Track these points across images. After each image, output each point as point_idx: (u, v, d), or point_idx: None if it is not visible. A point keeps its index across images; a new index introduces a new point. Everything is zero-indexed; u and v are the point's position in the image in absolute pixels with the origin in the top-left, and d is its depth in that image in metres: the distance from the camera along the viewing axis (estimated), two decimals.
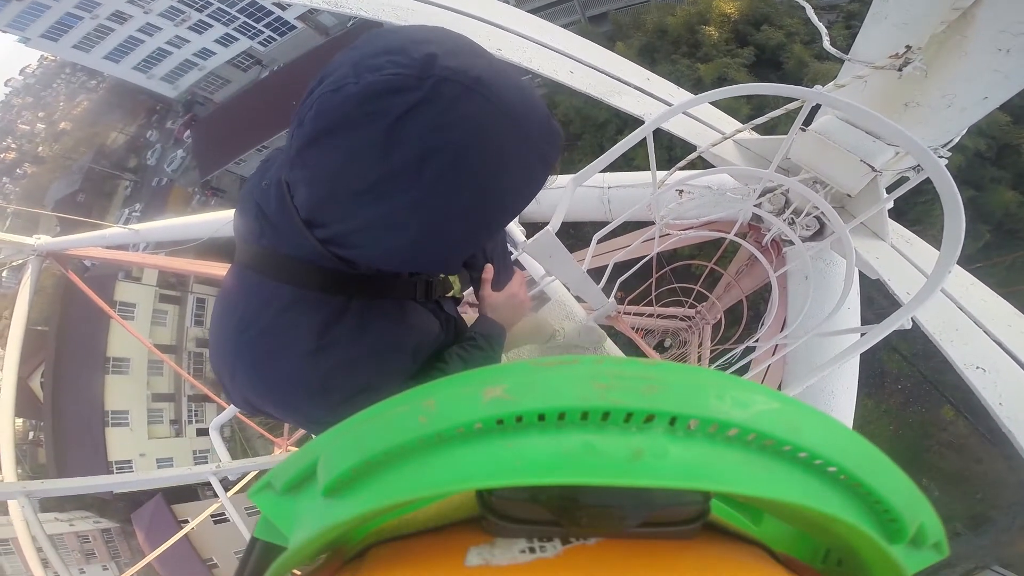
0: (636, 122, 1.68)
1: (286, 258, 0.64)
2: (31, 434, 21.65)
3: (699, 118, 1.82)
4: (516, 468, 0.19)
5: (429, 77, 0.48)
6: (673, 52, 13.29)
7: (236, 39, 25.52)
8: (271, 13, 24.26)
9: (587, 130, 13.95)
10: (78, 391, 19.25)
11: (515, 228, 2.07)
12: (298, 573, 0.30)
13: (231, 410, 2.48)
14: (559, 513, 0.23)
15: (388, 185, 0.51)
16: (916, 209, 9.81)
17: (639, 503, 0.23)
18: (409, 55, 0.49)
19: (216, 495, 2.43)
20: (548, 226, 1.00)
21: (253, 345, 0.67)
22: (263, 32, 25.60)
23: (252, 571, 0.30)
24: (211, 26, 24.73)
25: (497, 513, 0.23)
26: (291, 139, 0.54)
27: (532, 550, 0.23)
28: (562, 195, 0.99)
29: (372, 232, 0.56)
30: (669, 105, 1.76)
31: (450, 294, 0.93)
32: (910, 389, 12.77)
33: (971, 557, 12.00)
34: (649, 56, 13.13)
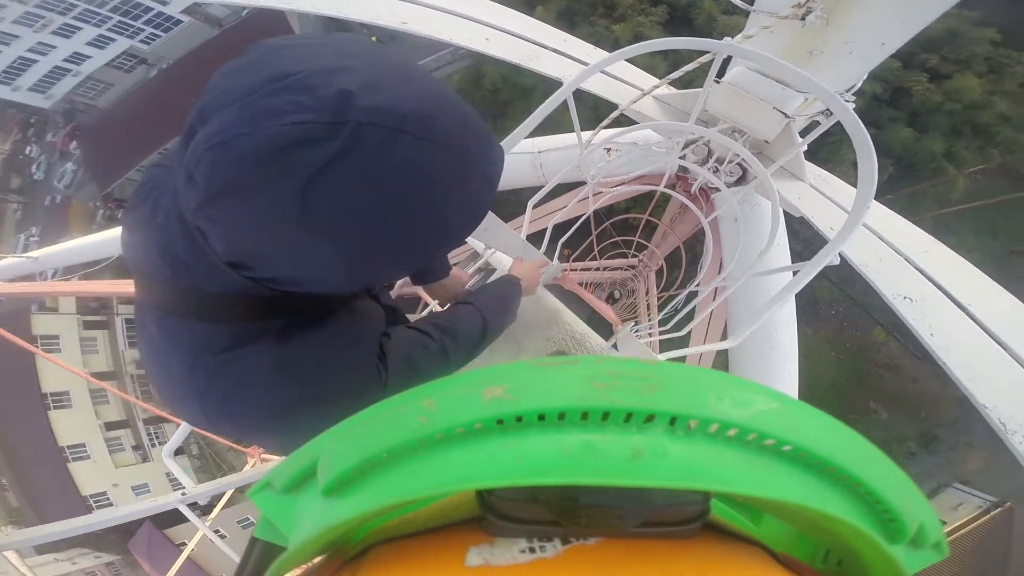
0: (559, 83, 1.68)
1: (214, 296, 0.56)
2: None
3: (619, 77, 1.84)
4: (516, 468, 0.19)
5: (345, 123, 0.40)
6: (591, 14, 13.45)
7: (112, 40, 23.21)
8: (150, 9, 22.14)
9: (516, 97, 13.88)
10: (25, 432, 18.31)
11: None
12: (298, 572, 0.30)
13: (181, 432, 2.36)
14: (559, 513, 0.23)
15: (312, 246, 0.45)
16: (826, 149, 10.47)
17: (639, 503, 0.23)
18: (316, 94, 0.40)
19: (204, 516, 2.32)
20: None
21: (207, 392, 0.61)
22: (143, 30, 23.25)
23: (252, 571, 0.30)
24: (80, 29, 22.43)
25: (497, 513, 0.23)
26: (183, 187, 0.45)
27: (532, 550, 0.23)
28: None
29: (304, 279, 0.51)
30: (584, 63, 1.77)
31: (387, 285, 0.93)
32: (843, 314, 13.22)
33: (931, 476, 12.38)
34: (568, 19, 13.16)
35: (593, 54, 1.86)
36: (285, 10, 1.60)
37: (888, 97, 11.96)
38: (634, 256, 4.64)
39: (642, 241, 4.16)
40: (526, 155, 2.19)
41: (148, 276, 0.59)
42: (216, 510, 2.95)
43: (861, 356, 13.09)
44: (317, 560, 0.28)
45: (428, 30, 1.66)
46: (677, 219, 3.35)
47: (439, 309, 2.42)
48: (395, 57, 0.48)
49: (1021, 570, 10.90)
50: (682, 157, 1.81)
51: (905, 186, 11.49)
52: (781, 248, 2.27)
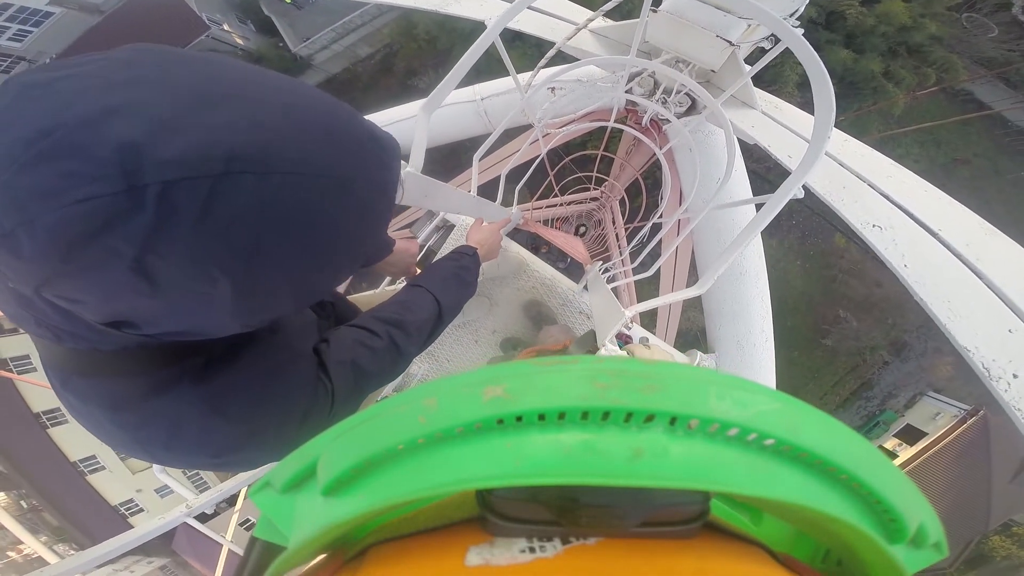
0: (483, 26, 1.58)
1: (108, 355, 0.49)
2: (23, 503, 19.49)
3: (552, 13, 1.76)
4: (516, 468, 0.19)
5: (143, 188, 0.31)
6: None
7: None
8: (10, 5, 19.64)
9: (456, 43, 13.35)
10: (34, 454, 17.79)
11: None
12: (298, 572, 0.30)
13: None
14: (559, 513, 0.23)
15: (182, 305, 0.39)
16: (770, 72, 10.65)
17: (639, 503, 0.23)
18: (89, 155, 0.30)
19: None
20: (408, 166, 0.92)
21: (147, 443, 0.56)
22: (7, 27, 20.69)
23: (252, 571, 0.30)
24: None
25: (497, 512, 0.23)
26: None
27: (532, 550, 0.23)
28: (416, 126, 0.90)
29: (195, 331, 0.44)
30: (510, 3, 1.66)
31: None
32: (804, 223, 13.25)
33: (906, 385, 12.68)
34: None
35: None
36: None
37: (823, 21, 12.23)
38: (596, 188, 4.67)
39: (601, 176, 4.19)
40: (469, 104, 2.10)
41: (35, 338, 0.49)
42: (239, 501, 2.92)
43: (825, 263, 13.24)
44: (317, 560, 0.28)
45: None
46: (632, 151, 3.36)
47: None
48: (204, 69, 0.37)
49: (1002, 475, 11.24)
50: (628, 91, 1.76)
51: (849, 106, 11.84)
52: (740, 176, 2.27)
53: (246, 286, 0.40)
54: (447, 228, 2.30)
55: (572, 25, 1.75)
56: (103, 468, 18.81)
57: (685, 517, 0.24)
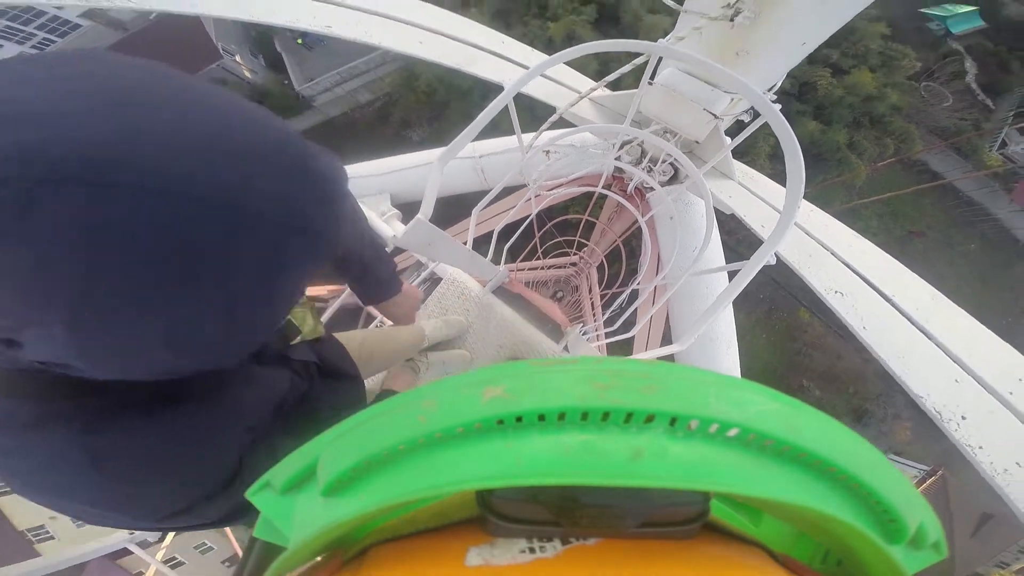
0: (499, 87, 1.67)
1: (14, 372, 0.44)
2: None
3: (555, 79, 1.86)
4: (516, 468, 0.19)
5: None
6: (525, 14, 13.46)
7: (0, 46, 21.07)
8: (44, 13, 20.14)
9: (453, 98, 13.78)
10: None
11: (379, 222, 1.95)
12: (298, 572, 0.30)
13: None
14: (559, 513, 0.23)
15: (27, 338, 0.35)
16: (744, 143, 11.11)
17: (639, 503, 0.23)
18: None
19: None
20: (419, 214, 0.95)
21: (7, 471, 0.50)
22: (35, 35, 21.23)
23: (252, 571, 0.30)
24: None
25: (497, 513, 0.23)
26: None
27: (532, 550, 0.23)
28: (430, 176, 0.95)
29: (54, 364, 0.38)
30: (525, 68, 1.77)
31: (297, 340, 0.79)
32: (770, 297, 13.70)
33: None
34: (503, 20, 13.17)
35: (531, 56, 1.87)
36: (197, 15, 1.47)
37: (796, 91, 12.83)
38: (575, 254, 4.76)
39: (582, 240, 4.28)
40: (467, 160, 2.16)
41: None
42: (168, 538, 2.74)
43: (790, 336, 13.70)
44: (317, 560, 0.28)
45: (355, 34, 1.60)
46: (614, 217, 3.46)
47: (388, 323, 2.35)
48: (122, 72, 0.34)
49: (963, 532, 11.41)
50: (618, 158, 1.85)
51: (815, 177, 12.41)
52: (716, 245, 2.37)
53: (81, 319, 0.34)
54: (434, 281, 2.32)
55: (570, 90, 1.86)
56: (9, 492, 17.62)
57: (685, 517, 0.24)
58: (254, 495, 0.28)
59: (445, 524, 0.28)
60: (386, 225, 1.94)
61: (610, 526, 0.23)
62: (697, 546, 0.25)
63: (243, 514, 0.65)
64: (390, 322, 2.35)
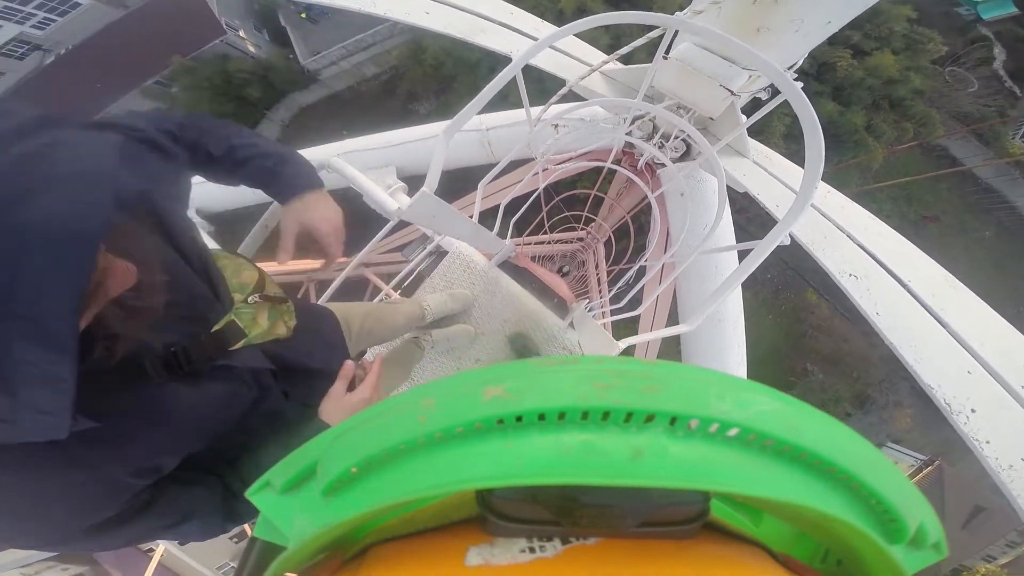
0: (507, 59, 1.63)
1: None
2: None
3: (565, 51, 1.82)
4: (516, 468, 0.19)
5: None
6: None
7: None
8: None
9: (460, 72, 13.54)
10: None
11: (383, 195, 1.92)
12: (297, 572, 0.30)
13: None
14: (559, 513, 0.23)
15: None
16: (759, 121, 10.91)
17: (639, 503, 0.23)
18: None
19: None
20: (424, 187, 0.94)
21: None
22: (35, 15, 20.90)
23: (252, 570, 0.30)
24: None
25: (497, 513, 0.23)
26: None
27: (532, 550, 0.23)
28: (435, 149, 0.93)
29: None
30: (534, 39, 1.72)
31: (240, 344, 0.71)
32: (778, 277, 13.47)
33: (867, 435, 13.10)
34: None
35: (540, 27, 1.82)
36: None
37: (815, 72, 12.57)
38: (583, 229, 4.71)
39: (590, 215, 4.22)
40: (474, 133, 2.13)
41: None
42: None
43: (796, 318, 13.49)
44: (317, 559, 0.27)
45: (359, 4, 1.56)
46: (623, 193, 3.41)
47: (394, 296, 2.35)
48: None
49: (954, 523, 11.49)
50: (628, 133, 1.82)
51: (831, 158, 12.23)
52: (727, 223, 2.34)
53: None
54: (440, 254, 2.31)
55: (581, 63, 1.82)
56: None
57: (685, 517, 0.24)
58: (254, 495, 0.28)
59: (445, 524, 0.28)
60: (390, 198, 1.91)
61: (610, 526, 0.23)
62: (697, 546, 0.25)
63: (190, 526, 0.66)
64: (395, 296, 2.36)
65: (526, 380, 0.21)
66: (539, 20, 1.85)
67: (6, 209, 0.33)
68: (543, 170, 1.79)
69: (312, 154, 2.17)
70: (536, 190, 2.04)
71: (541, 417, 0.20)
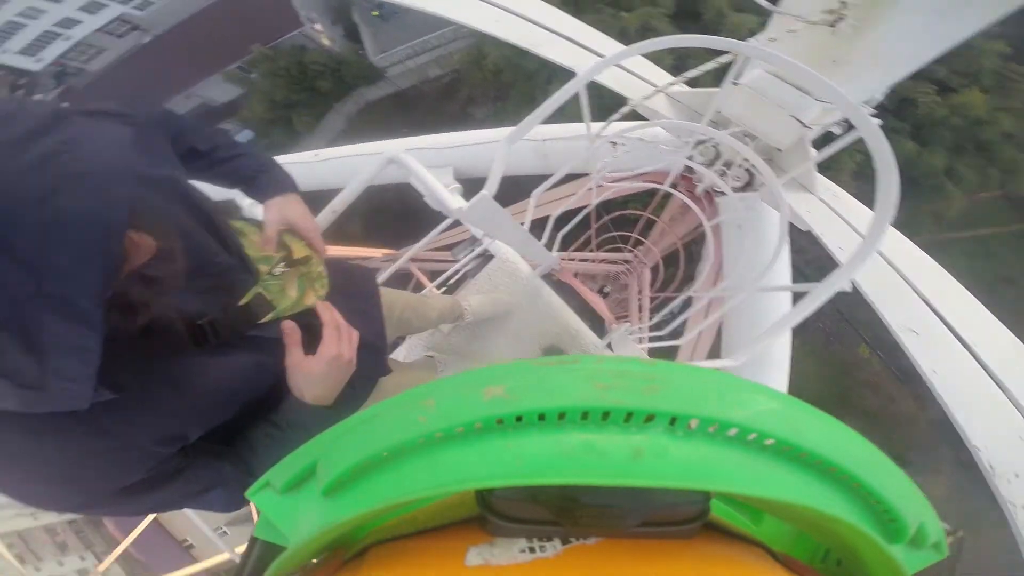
0: (565, 71, 1.63)
1: None
2: None
3: (629, 69, 1.79)
4: (516, 468, 0.19)
5: None
6: (598, 1, 12.81)
7: (105, 5, 23.18)
8: None
9: (518, 80, 13.62)
10: None
11: (445, 193, 1.95)
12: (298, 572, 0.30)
13: None
14: (559, 513, 0.23)
15: None
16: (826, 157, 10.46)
17: (639, 503, 0.23)
18: None
19: None
20: (484, 190, 0.95)
21: None
22: None
23: (252, 571, 0.30)
24: None
25: (497, 513, 0.23)
26: None
27: (532, 550, 0.23)
28: (496, 154, 0.94)
29: None
30: (600, 56, 1.71)
31: (269, 317, 0.73)
32: (830, 327, 13.02)
33: None
34: (573, 4, 12.76)
35: (606, 45, 1.80)
36: None
37: (894, 107, 11.80)
38: (629, 251, 4.63)
39: (639, 237, 4.14)
40: (531, 142, 2.13)
41: None
42: None
43: (844, 371, 12.92)
44: (317, 560, 0.28)
45: (436, 7, 1.59)
46: (677, 219, 3.32)
47: (436, 292, 2.38)
48: None
49: None
50: (689, 157, 1.77)
51: (904, 201, 11.46)
52: (784, 261, 2.24)
53: None
54: (486, 257, 2.32)
55: (644, 82, 1.78)
56: None
57: (685, 517, 0.24)
58: (254, 495, 0.28)
59: (445, 524, 0.28)
60: (451, 196, 1.94)
61: (610, 526, 0.23)
62: (697, 545, 0.25)
63: (209, 494, 0.67)
64: (436, 292, 2.38)
65: (526, 380, 0.21)
66: (604, 37, 1.83)
67: (33, 206, 0.36)
68: (597, 186, 1.77)
69: (377, 148, 2.20)
70: (587, 206, 2.02)
71: (541, 417, 0.20)
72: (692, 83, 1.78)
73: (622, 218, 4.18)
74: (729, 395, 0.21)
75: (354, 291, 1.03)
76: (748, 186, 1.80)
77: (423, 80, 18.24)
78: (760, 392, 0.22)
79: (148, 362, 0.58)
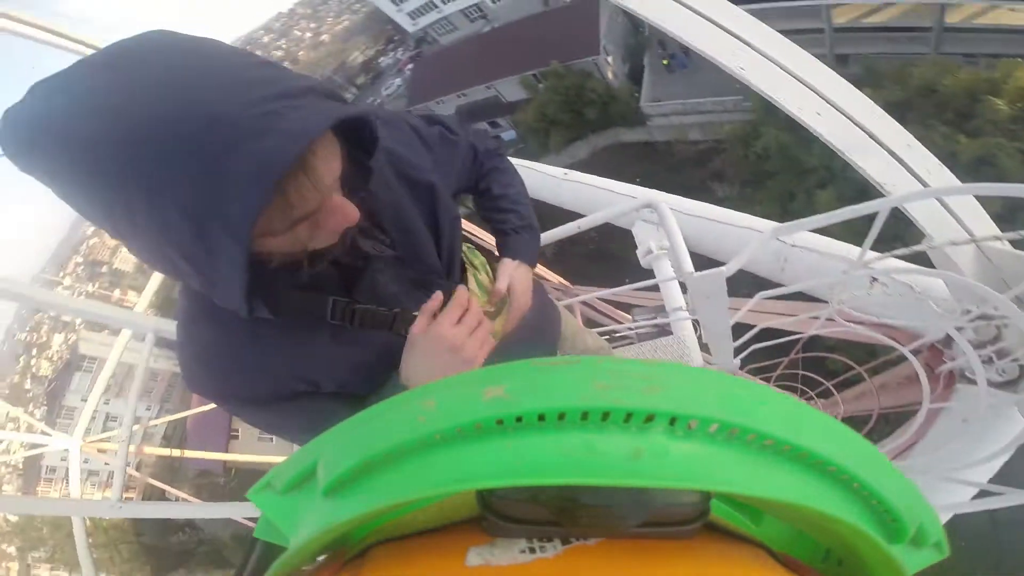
0: (844, 180, 1.45)
1: None
2: None
3: (946, 203, 1.53)
4: (516, 468, 0.19)
5: None
6: (932, 116, 10.82)
7: None
8: None
9: (783, 171, 12.56)
10: None
11: (686, 252, 1.91)
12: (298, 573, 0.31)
13: None
14: (559, 513, 0.23)
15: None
16: None
17: (639, 503, 0.23)
18: None
19: None
20: (724, 267, 0.93)
21: None
22: None
23: (252, 571, 0.30)
24: None
25: (497, 513, 0.23)
26: None
27: (532, 550, 0.23)
28: (753, 243, 0.90)
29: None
30: (922, 181, 1.49)
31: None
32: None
33: None
34: (898, 113, 11.16)
35: (933, 170, 1.55)
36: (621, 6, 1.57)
37: None
38: (810, 397, 4.05)
39: (832, 387, 3.56)
40: (777, 243, 1.97)
41: None
42: None
43: None
44: (317, 560, 0.28)
45: (762, 84, 1.52)
46: (890, 387, 2.75)
47: (605, 345, 2.37)
48: None
49: None
50: (959, 328, 1.46)
51: None
52: (990, 468, 1.75)
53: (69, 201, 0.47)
54: (662, 331, 2.23)
55: (955, 223, 1.50)
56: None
57: (685, 517, 0.24)
58: (255, 495, 0.28)
59: (445, 524, 0.28)
60: (688, 259, 1.88)
61: (610, 526, 0.23)
62: (697, 546, 0.25)
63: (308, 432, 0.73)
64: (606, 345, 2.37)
65: (526, 381, 0.21)
66: (936, 163, 1.57)
67: (236, 143, 0.43)
68: (826, 319, 1.57)
69: (630, 190, 2.18)
70: (799, 334, 1.79)
71: (541, 418, 0.20)
72: (1018, 244, 1.45)
73: (818, 359, 3.67)
74: (729, 395, 0.21)
75: (538, 310, 1.07)
76: (1012, 384, 1.43)
77: (679, 139, 18.20)
78: (760, 392, 0.22)
79: (317, 304, 0.67)
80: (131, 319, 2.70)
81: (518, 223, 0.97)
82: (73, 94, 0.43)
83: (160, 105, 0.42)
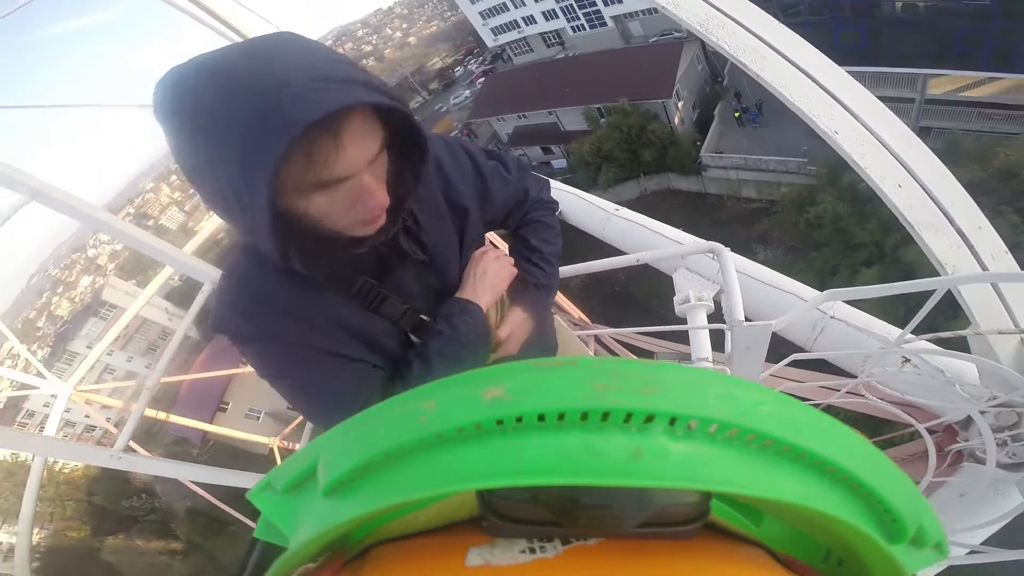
0: (893, 261, 1.43)
1: None
2: None
3: (999, 292, 1.52)
4: (516, 469, 0.19)
5: None
6: (1006, 202, 10.40)
7: (556, 16, 28.42)
8: (594, 4, 25.83)
9: (832, 242, 11.98)
10: None
11: (739, 301, 1.93)
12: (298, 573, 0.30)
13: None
14: (559, 513, 0.23)
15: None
16: None
17: (639, 503, 0.23)
18: None
19: None
20: (774, 322, 0.95)
21: None
22: (579, 19, 27.79)
23: (252, 571, 0.30)
24: None
25: (497, 513, 0.23)
26: None
27: (532, 550, 0.23)
28: (800, 308, 0.94)
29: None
30: (983, 266, 1.47)
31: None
32: None
33: None
34: (972, 194, 10.60)
35: (997, 256, 1.51)
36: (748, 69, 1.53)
37: None
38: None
39: None
40: (815, 311, 1.98)
41: None
42: None
43: None
44: (318, 561, 0.27)
45: (852, 149, 1.47)
46: (894, 460, 2.69)
47: None
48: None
49: None
50: (982, 412, 1.48)
51: None
52: (979, 535, 1.72)
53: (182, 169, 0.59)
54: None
55: (1004, 310, 1.49)
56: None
57: (685, 518, 0.24)
58: (254, 496, 0.28)
59: (445, 524, 0.29)
60: (740, 307, 1.89)
61: (610, 526, 0.23)
62: (698, 546, 0.25)
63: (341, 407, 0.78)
64: None
65: (526, 381, 0.21)
66: (1003, 248, 1.53)
67: (282, 104, 0.51)
68: (847, 391, 1.60)
69: (681, 236, 2.17)
70: (818, 403, 1.81)
71: (541, 418, 0.20)
72: None
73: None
74: (729, 395, 0.21)
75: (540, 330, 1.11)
76: (1017, 466, 1.44)
77: (731, 195, 17.67)
78: (760, 392, 0.22)
79: (347, 277, 0.76)
80: (195, 265, 2.53)
81: (543, 280, 1.01)
82: (204, 67, 0.55)
83: (253, 73, 0.53)
